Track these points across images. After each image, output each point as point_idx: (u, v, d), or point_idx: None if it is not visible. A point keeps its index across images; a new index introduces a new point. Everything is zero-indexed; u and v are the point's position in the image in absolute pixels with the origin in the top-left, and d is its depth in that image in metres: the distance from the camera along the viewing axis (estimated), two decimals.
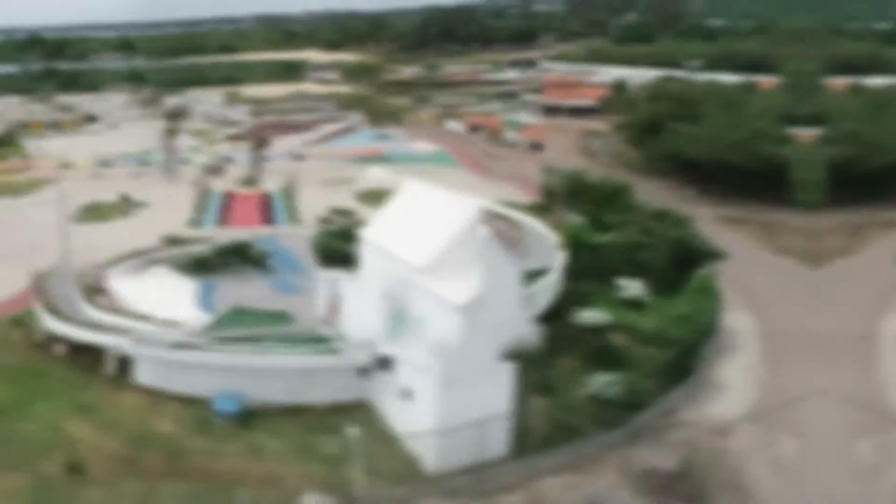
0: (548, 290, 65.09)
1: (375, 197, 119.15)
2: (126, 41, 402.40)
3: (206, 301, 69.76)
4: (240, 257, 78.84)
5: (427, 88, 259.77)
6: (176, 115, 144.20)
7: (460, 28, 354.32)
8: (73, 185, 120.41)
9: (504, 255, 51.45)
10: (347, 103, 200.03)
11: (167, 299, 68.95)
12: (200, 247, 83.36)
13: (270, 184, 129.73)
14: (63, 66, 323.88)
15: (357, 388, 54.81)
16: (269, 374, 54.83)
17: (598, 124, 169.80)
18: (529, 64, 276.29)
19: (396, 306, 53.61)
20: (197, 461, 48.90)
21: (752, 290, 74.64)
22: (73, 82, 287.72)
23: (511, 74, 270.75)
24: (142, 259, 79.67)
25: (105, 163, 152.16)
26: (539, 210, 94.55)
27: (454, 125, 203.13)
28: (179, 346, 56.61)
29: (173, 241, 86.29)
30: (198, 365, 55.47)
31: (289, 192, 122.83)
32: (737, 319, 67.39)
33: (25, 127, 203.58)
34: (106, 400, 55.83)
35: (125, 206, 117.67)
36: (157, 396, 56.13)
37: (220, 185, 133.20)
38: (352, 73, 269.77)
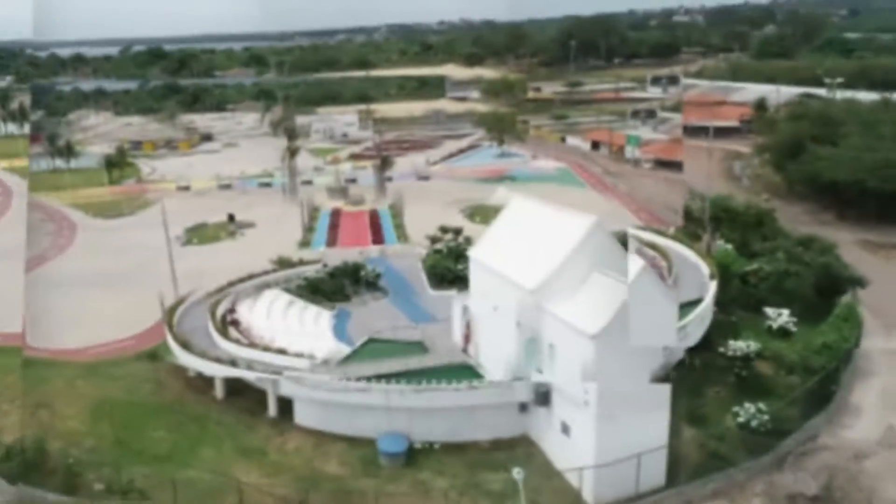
0: (701, 322, 64.02)
1: (482, 213, 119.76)
2: (255, 55, 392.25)
3: (340, 330, 69.70)
4: (353, 279, 79.89)
5: (567, 106, 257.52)
6: (295, 134, 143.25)
7: (600, 40, 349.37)
8: (177, 204, 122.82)
9: (658, 287, 49.65)
10: (484, 122, 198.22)
11: (301, 329, 69.20)
12: (314, 269, 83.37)
13: (377, 201, 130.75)
14: (185, 81, 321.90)
15: (518, 424, 55.19)
16: (434, 412, 54.85)
17: (740, 145, 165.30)
18: (672, 80, 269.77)
19: (529, 333, 53.48)
20: (365, 502, 49.37)
21: (891, 314, 75.09)
22: (197, 100, 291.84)
23: (653, 92, 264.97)
24: (262, 285, 79.45)
25: (225, 185, 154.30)
26: (685, 235, 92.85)
27: (575, 141, 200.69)
28: (342, 389, 56.12)
29: (284, 263, 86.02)
30: (361, 406, 55.39)
31: (396, 210, 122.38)
32: (874, 343, 68.66)
33: (138, 146, 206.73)
34: (270, 443, 56.46)
35: (231, 227, 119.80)
36: (321, 437, 56.34)
37: (327, 202, 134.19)
38: (492, 91, 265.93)
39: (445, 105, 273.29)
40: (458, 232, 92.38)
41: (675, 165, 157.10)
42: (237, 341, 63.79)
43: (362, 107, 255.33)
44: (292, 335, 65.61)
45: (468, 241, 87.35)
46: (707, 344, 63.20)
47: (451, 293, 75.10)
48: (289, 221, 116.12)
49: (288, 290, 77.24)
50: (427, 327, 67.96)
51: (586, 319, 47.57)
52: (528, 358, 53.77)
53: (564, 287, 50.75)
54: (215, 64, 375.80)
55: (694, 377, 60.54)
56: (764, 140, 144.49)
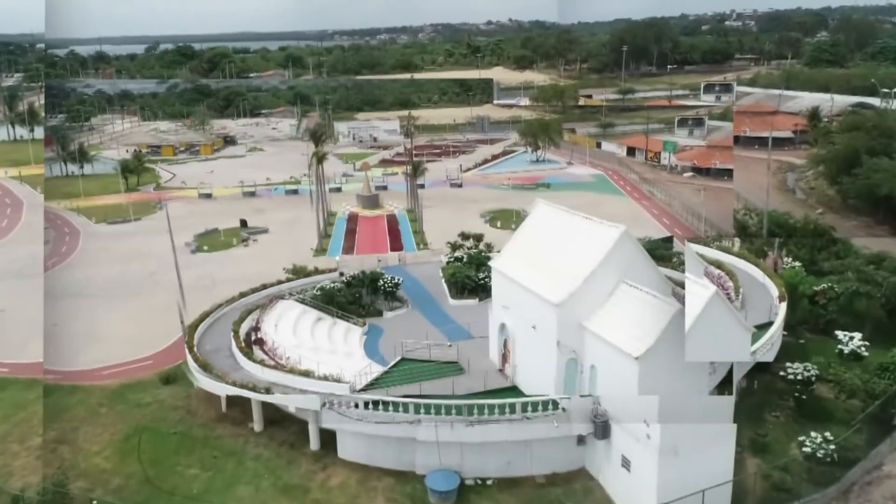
0: (771, 347, 61.03)
1: (503, 218, 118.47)
2: (292, 55, 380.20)
3: (371, 348, 67.11)
4: (371, 289, 77.32)
5: (614, 114, 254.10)
6: (322, 138, 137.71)
7: (652, 45, 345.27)
8: (186, 208, 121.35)
9: (731, 316, 47.15)
10: (530, 130, 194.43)
11: (330, 346, 66.41)
12: (329, 278, 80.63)
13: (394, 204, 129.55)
14: (217, 83, 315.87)
15: (576, 457, 52.53)
16: (487, 446, 51.81)
17: (793, 156, 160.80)
18: (725, 88, 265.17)
19: (570, 354, 51.49)
20: None
21: None
22: (229, 104, 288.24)
23: (707, 100, 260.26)
24: (278, 296, 76.09)
25: (249, 192, 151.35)
26: (750, 252, 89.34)
27: (610, 147, 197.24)
28: (389, 421, 52.62)
29: (299, 272, 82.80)
30: (409, 439, 52.33)
31: (414, 214, 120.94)
32: None
33: (157, 151, 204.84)
34: (313, 479, 53.49)
35: (244, 233, 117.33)
36: (366, 472, 53.40)
37: (343, 206, 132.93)
38: (541, 98, 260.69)
39: (490, 111, 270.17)
40: (478, 238, 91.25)
41: (713, 173, 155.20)
42: (262, 362, 60.07)
43: (403, 112, 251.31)
44: (321, 354, 62.63)
45: (489, 247, 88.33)
46: (765, 365, 61.07)
47: (473, 302, 76.25)
48: (304, 227, 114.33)
49: (302, 301, 74.03)
50: (463, 344, 64.92)
51: (630, 340, 46.47)
52: (569, 380, 51.79)
53: (592, 300, 50.09)
54: (249, 65, 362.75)
55: (753, 401, 58.75)
56: (817, 151, 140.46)
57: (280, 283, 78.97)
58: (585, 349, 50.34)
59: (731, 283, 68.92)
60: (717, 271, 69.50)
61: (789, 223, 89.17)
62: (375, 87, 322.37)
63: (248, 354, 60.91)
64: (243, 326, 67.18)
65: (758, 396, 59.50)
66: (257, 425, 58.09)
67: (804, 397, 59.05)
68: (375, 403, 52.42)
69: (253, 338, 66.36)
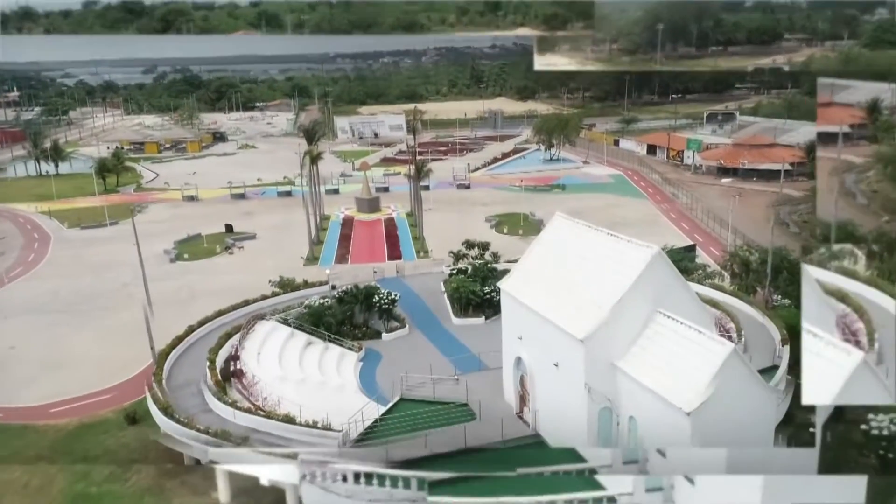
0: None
1: (510, 223, 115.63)
2: (298, 84, 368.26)
3: (367, 378, 62.06)
4: (365, 306, 71.89)
5: (638, 108, 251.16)
6: (315, 134, 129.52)
7: (692, 24, 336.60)
8: (169, 211, 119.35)
9: (746, 369, 42.83)
10: (547, 125, 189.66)
11: (321, 377, 61.34)
12: (321, 291, 76.08)
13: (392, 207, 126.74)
14: (207, 74, 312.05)
15: None
16: None
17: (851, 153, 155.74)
18: (728, 117, 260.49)
19: (603, 402, 45.94)
20: None
21: None
22: (221, 97, 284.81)
23: (707, 131, 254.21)
24: (259, 315, 70.09)
25: (238, 194, 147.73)
26: (742, 290, 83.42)
27: (628, 144, 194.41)
28: (384, 498, 44.68)
29: (286, 285, 78.29)
30: None
31: (414, 218, 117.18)
32: None
33: (140, 148, 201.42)
34: None
35: (228, 239, 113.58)
36: None
37: (339, 209, 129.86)
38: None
39: (503, 105, 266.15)
40: (484, 247, 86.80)
41: (741, 173, 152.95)
42: (234, 404, 53.57)
43: (410, 106, 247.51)
44: (310, 387, 58.43)
45: (496, 257, 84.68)
46: (840, 414, 55.27)
47: (478, 321, 72.33)
48: (295, 232, 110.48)
49: (286, 322, 68.55)
50: (473, 378, 59.18)
51: (677, 390, 41.86)
52: (604, 431, 46.23)
53: (623, 334, 45.67)
54: (256, 95, 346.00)
55: (830, 456, 52.56)
56: (880, 149, 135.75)
57: (265, 297, 74.42)
58: (621, 396, 45.02)
59: (731, 325, 65.35)
60: (716, 312, 65.67)
61: (856, 234, 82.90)
62: (380, 79, 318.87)
63: (222, 393, 55.40)
64: (221, 353, 61.91)
65: (833, 450, 53.61)
66: (223, 496, 50.68)
67: (890, 455, 53.29)
68: (369, 476, 45.03)
69: (232, 367, 60.63)
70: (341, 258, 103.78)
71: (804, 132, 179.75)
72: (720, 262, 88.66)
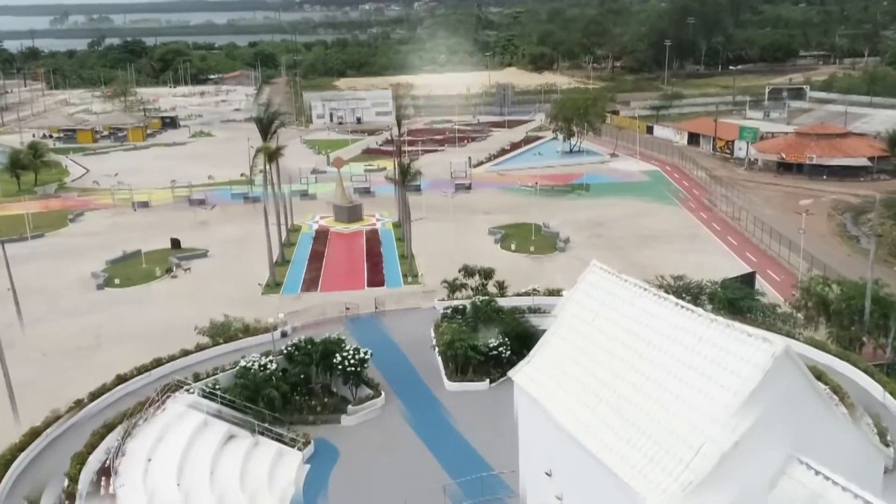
0: None
1: (518, 237, 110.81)
2: (263, 54, 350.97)
3: (313, 496, 51.94)
4: (324, 366, 62.40)
5: (682, 80, 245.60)
6: (273, 123, 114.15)
7: (703, 33, 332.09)
8: (108, 220, 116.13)
9: None
10: (562, 112, 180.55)
11: (241, 489, 51.01)
12: (264, 344, 66.58)
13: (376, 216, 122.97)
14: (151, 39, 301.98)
15: None
16: None
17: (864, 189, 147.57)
18: (797, 93, 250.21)
19: None
20: None
21: None
22: (167, 66, 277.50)
23: (759, 115, 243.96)
24: (174, 386, 60.06)
25: (195, 199, 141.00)
26: (840, 342, 71.08)
27: (664, 132, 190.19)
28: None
29: (218, 331, 70.69)
30: None
31: (401, 231, 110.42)
32: None
33: (71, 136, 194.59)
34: None
35: (173, 258, 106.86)
36: None
37: (312, 217, 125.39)
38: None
39: (513, 77, 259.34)
40: (487, 275, 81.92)
41: (808, 170, 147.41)
42: None
43: (398, 79, 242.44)
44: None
45: (501, 287, 79.94)
46: None
47: (480, 386, 64.64)
48: (257, 247, 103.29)
49: (210, 395, 58.83)
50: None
51: None
52: None
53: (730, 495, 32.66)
54: (211, 65, 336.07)
55: None
56: None
57: (186, 354, 65.76)
58: None
59: (843, 410, 51.16)
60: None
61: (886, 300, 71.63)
62: (362, 45, 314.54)
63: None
64: (94, 458, 51.01)
65: None
66: None
67: None
68: None
69: (103, 484, 49.72)
70: (310, 284, 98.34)
71: (884, 118, 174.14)
72: (788, 297, 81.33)
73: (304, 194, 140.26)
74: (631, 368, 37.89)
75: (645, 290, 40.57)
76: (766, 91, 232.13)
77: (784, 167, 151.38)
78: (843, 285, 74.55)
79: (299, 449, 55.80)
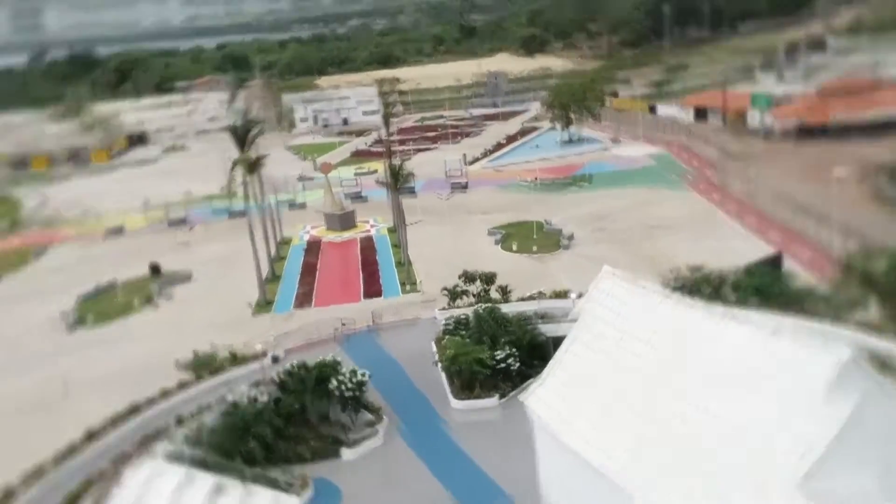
0: None
1: (519, 236, 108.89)
2: (232, 56, 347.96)
3: None
4: (318, 395, 59.62)
5: (685, 49, 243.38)
6: (250, 132, 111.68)
7: None
8: (77, 252, 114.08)
9: None
10: (558, 99, 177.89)
11: None
12: (251, 374, 64.58)
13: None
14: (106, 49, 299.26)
15: None
16: None
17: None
18: (817, 45, 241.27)
19: None
20: None
21: None
22: (125, 79, 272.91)
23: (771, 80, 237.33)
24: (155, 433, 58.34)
25: (174, 219, 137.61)
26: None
27: (668, 110, 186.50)
28: None
29: (202, 365, 68.92)
30: None
31: (398, 237, 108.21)
32: None
33: (24, 166, 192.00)
34: None
35: (154, 285, 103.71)
36: None
37: (300, 226, 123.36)
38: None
39: (506, 63, 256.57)
40: (489, 280, 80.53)
41: (832, 132, 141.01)
42: None
43: (383, 73, 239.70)
44: None
45: (504, 292, 79.17)
46: None
47: (490, 403, 62.43)
48: (244, 264, 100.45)
49: (196, 440, 55.90)
50: None
51: None
52: None
53: None
54: (175, 72, 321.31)
55: None
56: None
57: (165, 394, 63.89)
58: None
59: None
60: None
61: None
62: (343, 40, 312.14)
63: None
64: None
65: None
66: None
67: None
68: None
69: None
70: (303, 300, 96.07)
71: None
72: (830, 277, 76.39)
73: (293, 204, 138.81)
74: (672, 394, 33.91)
75: (667, 297, 37.63)
76: (781, 49, 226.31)
77: (805, 132, 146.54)
78: (890, 256, 70.82)
79: (297, 493, 52.47)
